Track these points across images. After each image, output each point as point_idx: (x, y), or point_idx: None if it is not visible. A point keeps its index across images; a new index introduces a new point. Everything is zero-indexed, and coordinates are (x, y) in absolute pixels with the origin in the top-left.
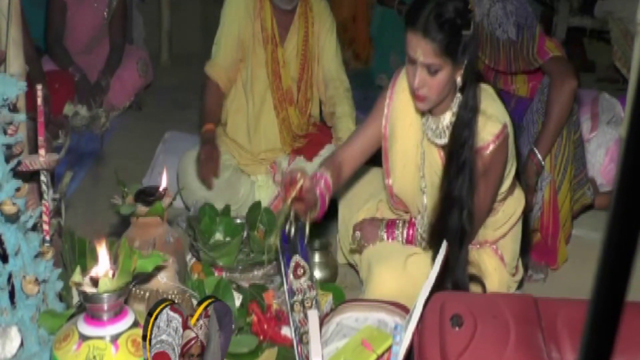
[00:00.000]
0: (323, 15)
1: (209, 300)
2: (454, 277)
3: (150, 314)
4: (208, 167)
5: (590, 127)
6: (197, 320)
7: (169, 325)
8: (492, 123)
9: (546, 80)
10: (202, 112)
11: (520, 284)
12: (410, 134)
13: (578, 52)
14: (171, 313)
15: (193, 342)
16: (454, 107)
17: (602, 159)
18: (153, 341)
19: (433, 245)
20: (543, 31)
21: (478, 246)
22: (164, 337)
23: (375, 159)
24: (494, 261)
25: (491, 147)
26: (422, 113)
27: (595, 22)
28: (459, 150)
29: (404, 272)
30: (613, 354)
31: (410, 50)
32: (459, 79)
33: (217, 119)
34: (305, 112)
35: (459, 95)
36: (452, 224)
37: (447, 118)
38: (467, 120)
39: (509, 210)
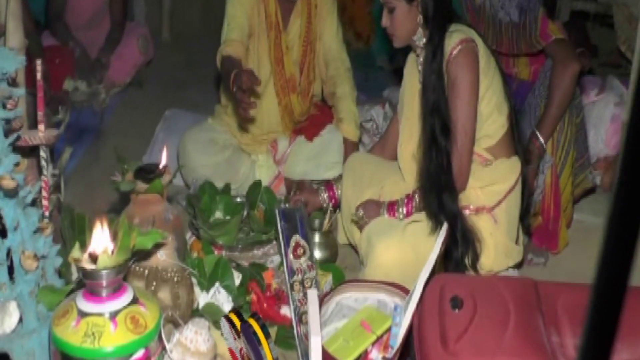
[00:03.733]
0: None
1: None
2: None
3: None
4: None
5: (597, 92)
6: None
7: None
8: (456, 34)
9: (549, 64)
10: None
11: (520, 265)
12: (412, 87)
13: (581, 37)
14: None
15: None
16: (421, 44)
17: (607, 124)
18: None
19: (422, 177)
20: (546, 14)
21: (474, 212)
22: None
23: None
24: (490, 225)
25: (455, 51)
26: (417, 63)
27: (599, 7)
28: (429, 77)
29: (404, 239)
30: (615, 339)
31: None
32: (420, 17)
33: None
34: (308, 94)
35: (421, 30)
36: (432, 145)
37: (422, 56)
38: (433, 50)
39: (500, 170)
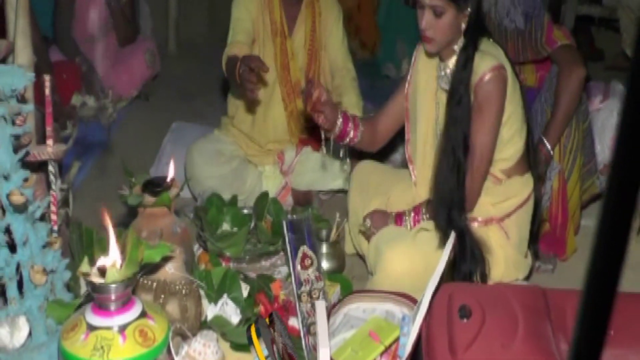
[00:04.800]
0: (329, 4)
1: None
2: (453, 221)
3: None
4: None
5: (601, 99)
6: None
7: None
8: (489, 58)
9: (555, 70)
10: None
11: (529, 275)
12: (428, 89)
13: (586, 41)
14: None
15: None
16: (458, 51)
17: (612, 132)
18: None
19: (433, 190)
20: (551, 20)
21: (483, 224)
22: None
23: (381, 155)
24: (500, 238)
25: (486, 77)
26: (438, 66)
27: (604, 11)
28: (456, 88)
29: (413, 247)
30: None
31: None
32: (463, 25)
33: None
34: None
35: (462, 38)
36: (448, 159)
37: (453, 62)
38: (465, 60)
39: (514, 186)
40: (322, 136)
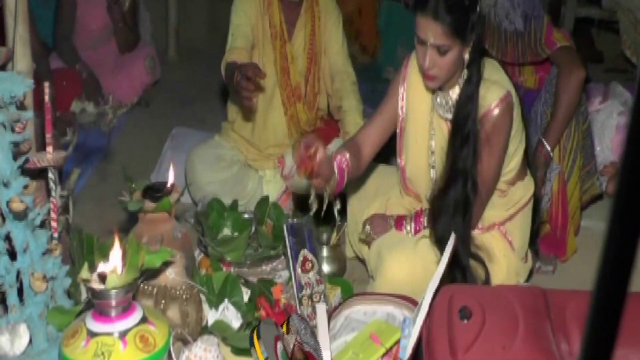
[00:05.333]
0: (329, 8)
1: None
2: (458, 256)
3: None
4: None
5: (601, 100)
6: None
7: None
8: (495, 88)
9: (554, 71)
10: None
11: (529, 276)
12: (422, 111)
13: (586, 43)
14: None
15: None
16: (462, 82)
17: (612, 133)
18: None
19: (435, 218)
20: (551, 21)
21: (485, 230)
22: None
23: (383, 156)
24: (503, 246)
25: (495, 111)
26: (433, 90)
27: (603, 13)
28: (463, 122)
29: (415, 254)
30: (615, 345)
31: (420, 32)
32: (466, 56)
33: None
34: (314, 106)
35: (466, 71)
36: (456, 195)
37: (456, 93)
38: (471, 93)
39: (517, 193)
40: (312, 195)
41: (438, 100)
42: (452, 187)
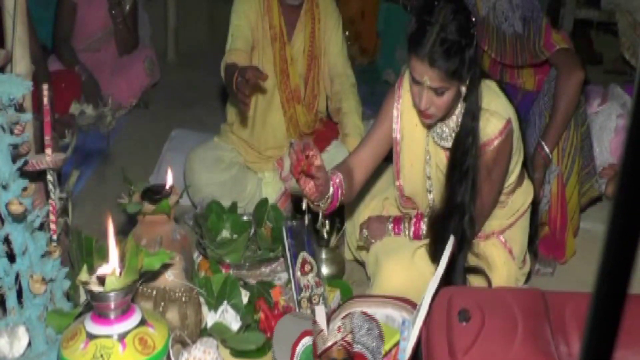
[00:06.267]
0: (329, 10)
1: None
2: (452, 279)
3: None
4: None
5: (600, 102)
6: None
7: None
8: (495, 119)
9: (553, 73)
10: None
11: (528, 278)
12: (417, 135)
13: (585, 45)
14: None
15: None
16: (459, 113)
17: (611, 134)
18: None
19: (433, 243)
20: (550, 24)
21: (485, 238)
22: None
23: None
24: (503, 254)
25: (495, 142)
26: None
27: (602, 14)
28: (462, 157)
29: (412, 265)
30: (615, 346)
31: (415, 74)
32: (463, 89)
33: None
34: (313, 108)
35: (464, 103)
36: (453, 228)
37: (452, 122)
38: (470, 128)
39: (517, 201)
40: (304, 206)
41: (434, 127)
42: (449, 220)
